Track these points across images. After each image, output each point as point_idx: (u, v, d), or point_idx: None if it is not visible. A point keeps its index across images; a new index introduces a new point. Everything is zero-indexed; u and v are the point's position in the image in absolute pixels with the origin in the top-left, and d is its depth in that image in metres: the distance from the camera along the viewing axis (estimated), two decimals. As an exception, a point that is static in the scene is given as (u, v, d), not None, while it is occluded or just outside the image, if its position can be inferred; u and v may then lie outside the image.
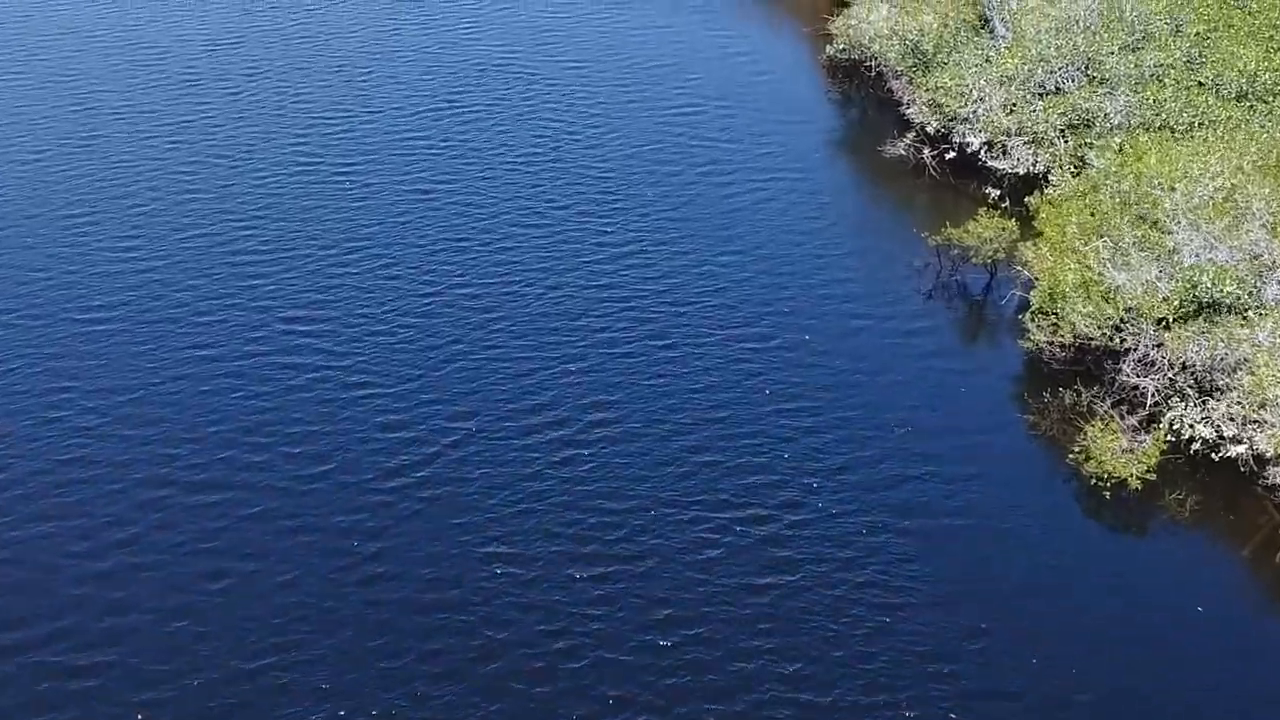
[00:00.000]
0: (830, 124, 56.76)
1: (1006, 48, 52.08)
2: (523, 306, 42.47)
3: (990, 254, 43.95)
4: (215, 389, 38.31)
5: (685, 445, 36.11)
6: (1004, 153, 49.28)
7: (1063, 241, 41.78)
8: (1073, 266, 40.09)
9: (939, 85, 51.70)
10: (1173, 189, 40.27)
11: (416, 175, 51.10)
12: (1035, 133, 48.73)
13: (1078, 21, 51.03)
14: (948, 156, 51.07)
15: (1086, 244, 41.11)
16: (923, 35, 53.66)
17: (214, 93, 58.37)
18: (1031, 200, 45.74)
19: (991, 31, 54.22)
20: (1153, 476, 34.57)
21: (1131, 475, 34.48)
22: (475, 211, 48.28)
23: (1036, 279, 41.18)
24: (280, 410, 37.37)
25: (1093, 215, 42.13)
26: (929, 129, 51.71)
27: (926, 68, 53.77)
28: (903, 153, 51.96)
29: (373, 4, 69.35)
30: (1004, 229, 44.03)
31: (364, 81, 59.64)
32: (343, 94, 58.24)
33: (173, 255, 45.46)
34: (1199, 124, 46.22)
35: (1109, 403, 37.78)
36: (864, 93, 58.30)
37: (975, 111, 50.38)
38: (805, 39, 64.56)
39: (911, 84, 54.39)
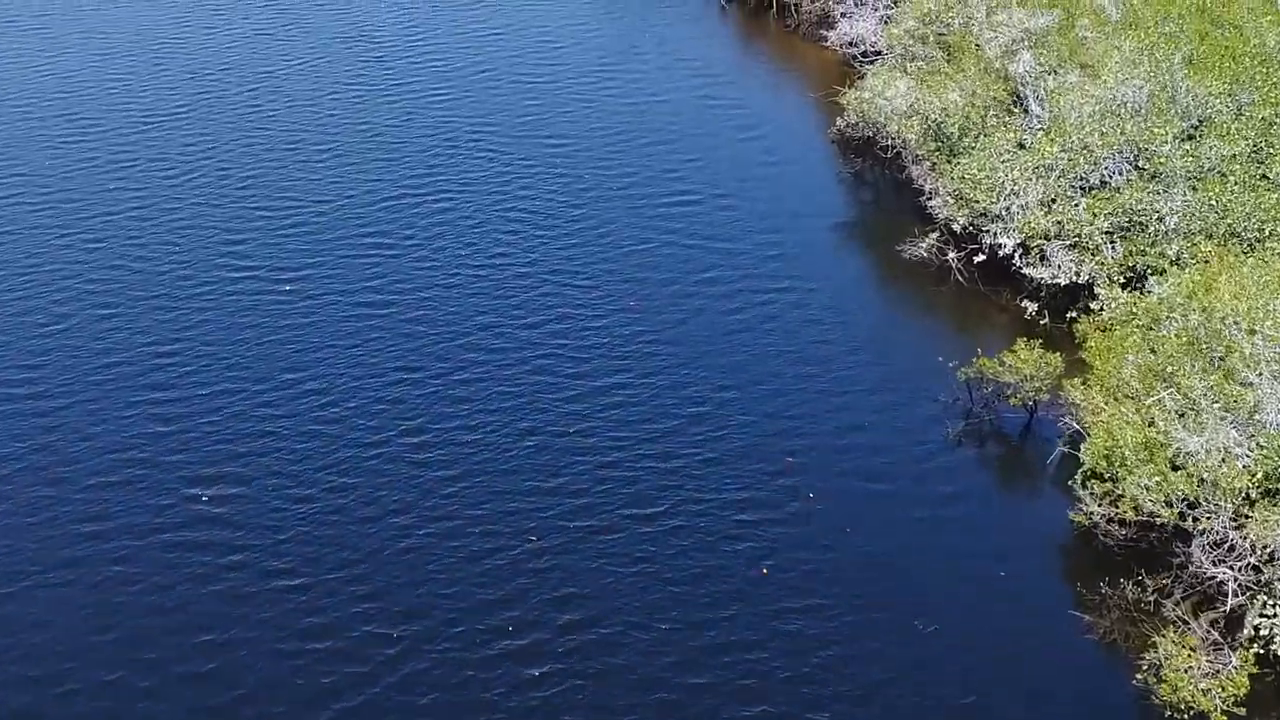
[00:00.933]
0: (842, 213, 50.76)
1: (1043, 131, 46.08)
2: (490, 459, 36.52)
3: (1030, 393, 37.93)
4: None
5: (685, 656, 30.13)
6: (1042, 259, 43.33)
7: (1118, 385, 35.76)
8: (1132, 421, 34.08)
9: (966, 176, 45.70)
10: (1252, 331, 34.18)
11: (362, 289, 45.27)
12: (1078, 236, 42.73)
13: (1125, 103, 44.92)
14: (977, 259, 45.07)
15: (1147, 390, 35.09)
16: (947, 116, 47.63)
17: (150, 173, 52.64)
18: (1078, 324, 39.74)
19: (1025, 110, 48.18)
20: (1242, 711, 28.50)
21: (1215, 710, 28.44)
22: (426, 339, 42.31)
23: (1087, 431, 35.15)
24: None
25: (1153, 353, 36.09)
26: (955, 226, 45.71)
27: (951, 153, 47.75)
28: (925, 254, 45.96)
29: (363, 94, 63.55)
30: (1046, 364, 37.98)
31: (327, 175, 53.79)
32: (311, 186, 52.48)
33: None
34: (1272, 233, 40.19)
35: (1179, 593, 31.78)
36: (879, 173, 52.40)
37: (1008, 208, 44.39)
38: (813, 106, 58.56)
39: (934, 170, 48.39)
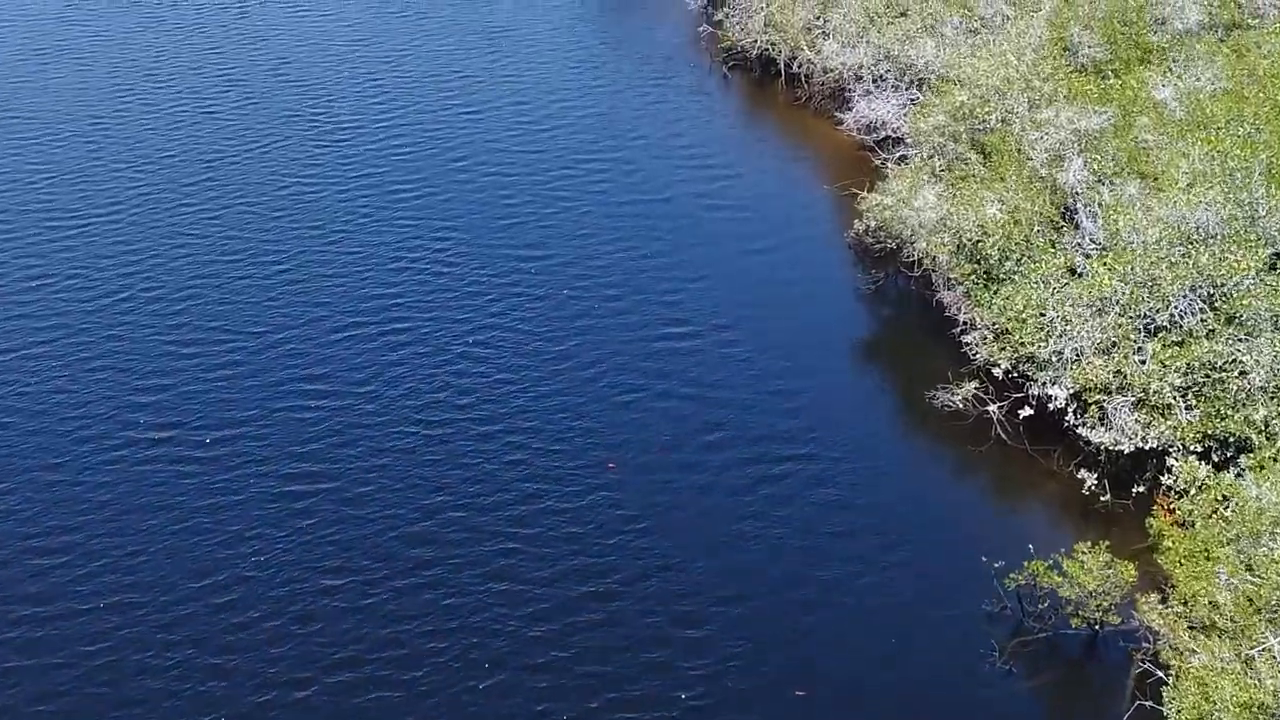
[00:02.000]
0: (862, 347, 44.08)
1: (1099, 255, 39.44)
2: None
3: (1095, 610, 31.28)
4: None
5: None
6: (1101, 417, 36.65)
7: (1209, 613, 29.13)
8: (1229, 668, 27.45)
9: (1008, 312, 39.10)
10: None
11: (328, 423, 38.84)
12: (1144, 391, 36.07)
13: (1197, 227, 38.23)
14: (1022, 413, 38.44)
15: (1246, 623, 28.47)
16: (985, 234, 40.99)
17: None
18: (1151, 513, 33.11)
19: (1076, 226, 41.53)
20: None
21: None
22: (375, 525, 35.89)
23: (1172, 672, 28.52)
24: None
25: (1250, 571, 29.44)
26: (995, 370, 39.10)
27: (990, 278, 41.16)
28: (961, 405, 39.32)
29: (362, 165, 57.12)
30: (1115, 575, 31.32)
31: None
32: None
33: None
34: (1387, 401, 33.58)
35: None
36: (905, 291, 45.85)
37: (1059, 352, 37.76)
38: (826, 201, 52.03)
39: (969, 298, 41.75)
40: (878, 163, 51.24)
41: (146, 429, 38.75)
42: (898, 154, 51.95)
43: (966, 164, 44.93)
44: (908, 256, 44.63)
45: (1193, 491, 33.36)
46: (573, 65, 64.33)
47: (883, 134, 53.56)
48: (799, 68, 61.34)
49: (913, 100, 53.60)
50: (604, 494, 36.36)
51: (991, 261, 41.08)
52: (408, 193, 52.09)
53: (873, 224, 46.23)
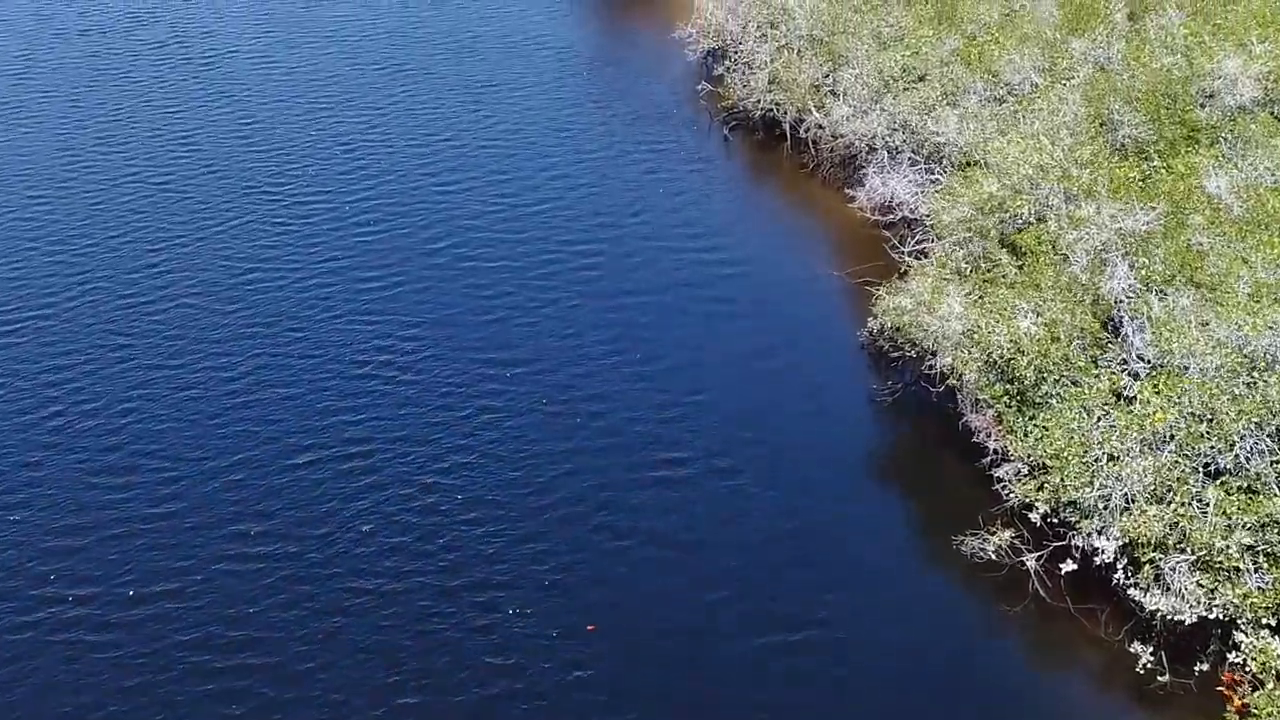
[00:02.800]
0: (879, 476, 39.41)
1: (1150, 380, 34.92)
2: None
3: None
4: None
5: None
6: (1156, 578, 32.11)
7: None
8: None
9: (1046, 448, 34.57)
10: None
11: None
12: (1206, 549, 31.51)
13: (1261, 353, 33.66)
14: (1064, 567, 33.89)
15: None
16: (1019, 352, 36.40)
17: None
18: (1225, 708, 28.63)
19: (1122, 340, 36.99)
20: None
21: None
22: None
23: None
24: None
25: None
26: (1032, 514, 34.56)
27: (1024, 401, 36.61)
28: (993, 555, 34.74)
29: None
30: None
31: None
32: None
33: None
34: None
35: None
36: (926, 406, 41.13)
37: (1106, 497, 33.21)
38: (838, 291, 47.48)
39: (1001, 424, 37.21)
40: (893, 250, 46.74)
41: (59, 584, 34.27)
42: (916, 237, 47.51)
43: (996, 264, 40.34)
44: (929, 368, 40.04)
45: (1266, 678, 28.87)
46: (562, 128, 59.85)
47: (899, 214, 49.09)
48: (806, 132, 56.82)
49: (931, 177, 49.11)
50: (584, 671, 31.78)
51: (1026, 383, 36.51)
52: (374, 283, 47.57)
53: (889, 325, 41.70)
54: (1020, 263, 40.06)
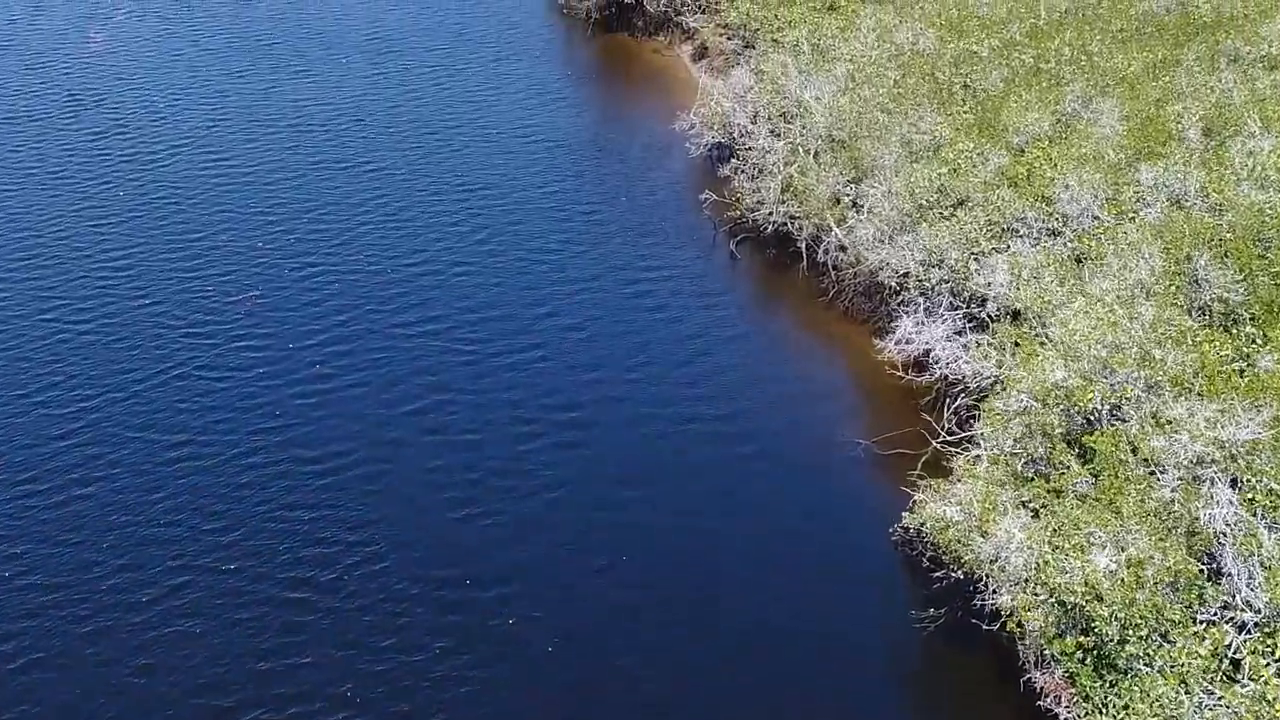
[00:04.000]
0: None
1: (1261, 639, 27.88)
2: None
3: None
4: None
5: None
6: None
7: None
8: None
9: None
10: None
11: None
12: None
13: None
14: None
15: None
16: (1097, 599, 29.32)
17: None
18: None
19: (1226, 580, 29.90)
20: None
21: None
22: None
23: None
24: None
25: None
26: (1121, 824, 27.50)
27: (1102, 662, 29.60)
28: None
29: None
30: None
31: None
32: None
33: None
34: None
35: None
36: (975, 640, 33.79)
37: (1217, 812, 26.14)
38: (869, 469, 40.45)
39: (1075, 686, 30.16)
40: (929, 411, 39.92)
41: None
42: (957, 401, 40.67)
43: (1063, 470, 33.23)
44: (981, 600, 32.93)
45: None
46: (549, 248, 52.38)
47: (935, 370, 42.10)
48: (825, 254, 49.83)
49: (973, 323, 42.18)
50: None
51: (1108, 642, 29.44)
52: (312, 468, 40.48)
53: (928, 531, 34.63)
54: (1092, 467, 32.95)
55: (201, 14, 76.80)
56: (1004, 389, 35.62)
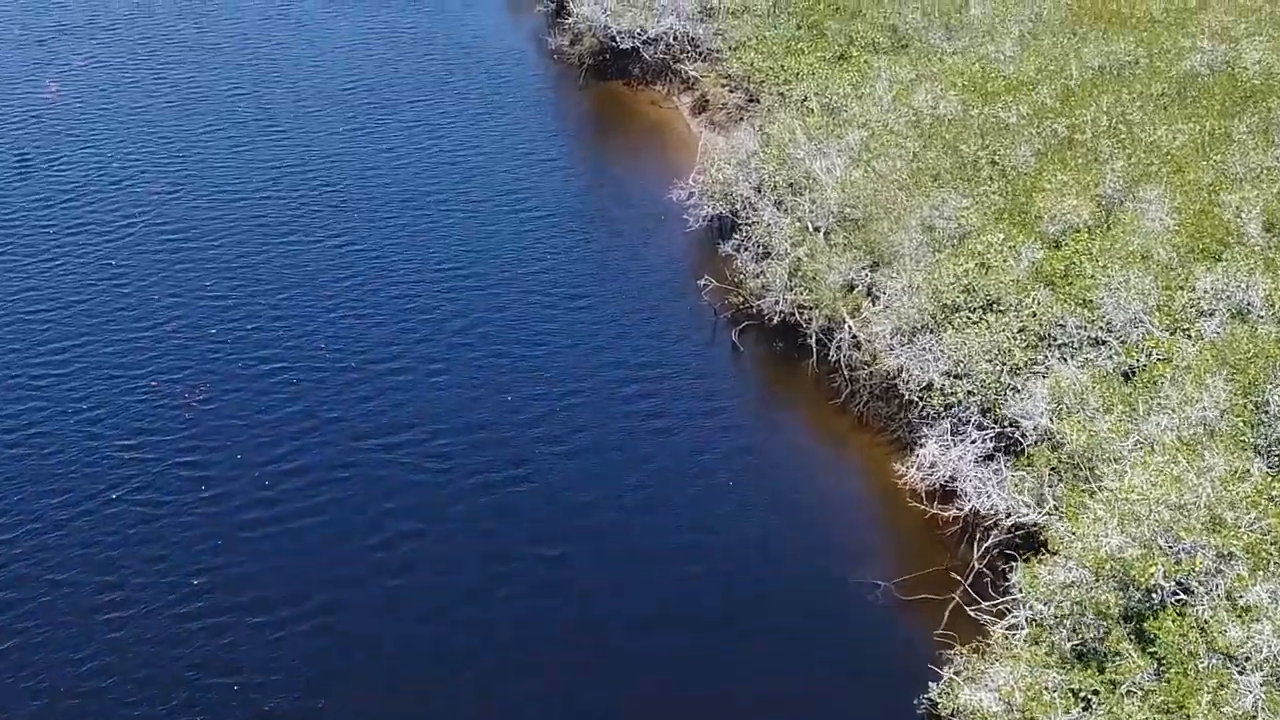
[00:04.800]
0: None
1: None
2: None
3: None
4: None
5: None
6: None
7: None
8: None
9: None
10: None
11: None
12: None
13: None
14: None
15: None
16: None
17: None
18: None
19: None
20: None
21: None
22: None
23: None
24: None
25: None
26: None
27: None
28: None
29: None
30: None
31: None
32: None
33: None
34: None
35: None
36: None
37: None
38: (886, 605, 35.91)
39: None
40: (956, 548, 35.51)
41: None
42: (989, 540, 36.23)
43: (1120, 658, 28.62)
44: (1026, 807, 28.37)
45: None
46: (536, 339, 47.58)
47: (963, 502, 37.56)
48: (837, 350, 45.29)
49: (1004, 442, 37.74)
50: None
51: None
52: (293, 633, 35.94)
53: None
54: (1155, 654, 28.33)
55: (167, 60, 72.28)
56: (1047, 550, 31.01)
